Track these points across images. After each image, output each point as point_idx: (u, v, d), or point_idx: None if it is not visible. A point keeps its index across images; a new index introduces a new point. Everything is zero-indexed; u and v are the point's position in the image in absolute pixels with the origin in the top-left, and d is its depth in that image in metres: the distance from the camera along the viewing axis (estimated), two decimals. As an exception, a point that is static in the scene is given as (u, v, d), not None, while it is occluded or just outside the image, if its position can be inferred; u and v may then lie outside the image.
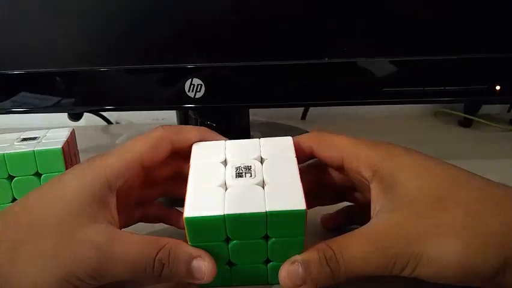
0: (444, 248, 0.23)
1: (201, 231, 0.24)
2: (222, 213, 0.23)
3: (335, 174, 0.31)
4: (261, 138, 0.29)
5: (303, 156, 0.30)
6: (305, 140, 0.30)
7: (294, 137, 0.30)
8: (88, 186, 0.26)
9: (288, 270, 0.25)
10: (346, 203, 0.34)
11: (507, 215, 0.24)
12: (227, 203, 0.24)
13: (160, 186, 0.32)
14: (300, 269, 0.24)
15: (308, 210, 0.24)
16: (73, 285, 0.23)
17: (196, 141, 0.29)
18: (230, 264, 0.26)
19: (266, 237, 0.25)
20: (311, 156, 0.30)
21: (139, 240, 0.25)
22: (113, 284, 0.25)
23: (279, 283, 0.25)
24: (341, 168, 0.29)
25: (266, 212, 0.23)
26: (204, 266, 0.25)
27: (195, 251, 0.25)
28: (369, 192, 0.28)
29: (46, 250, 0.24)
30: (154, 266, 0.24)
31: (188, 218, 0.24)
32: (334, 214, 0.34)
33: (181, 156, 0.30)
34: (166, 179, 0.32)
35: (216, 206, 0.24)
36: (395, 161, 0.27)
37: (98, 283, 0.24)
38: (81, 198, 0.25)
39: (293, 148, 0.28)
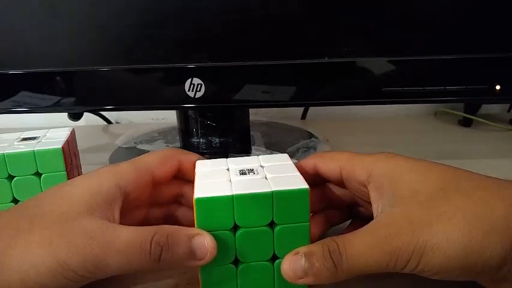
0: (448, 233, 0.23)
1: (210, 213, 0.25)
2: (231, 194, 0.25)
3: (340, 192, 0.32)
4: (259, 156, 0.31)
5: (308, 174, 0.31)
6: (309, 158, 0.31)
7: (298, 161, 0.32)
8: (96, 185, 0.27)
9: (291, 260, 0.25)
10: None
11: (510, 200, 0.24)
12: (234, 187, 0.26)
13: (164, 208, 0.32)
14: (303, 260, 0.24)
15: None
16: (66, 275, 0.23)
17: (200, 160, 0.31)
18: (236, 262, 0.26)
19: (272, 225, 0.26)
20: (316, 173, 0.31)
21: (133, 228, 0.25)
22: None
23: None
24: (341, 183, 0.30)
25: (272, 191, 0.25)
26: (205, 241, 0.24)
27: (195, 230, 0.25)
28: (370, 201, 0.28)
29: (42, 239, 0.24)
30: (151, 250, 0.24)
31: (198, 198, 0.25)
32: (345, 231, 0.34)
33: (185, 179, 0.32)
34: (170, 201, 0.32)
35: (224, 189, 0.25)
36: (390, 162, 0.28)
37: (92, 275, 0.24)
38: (85, 194, 0.26)
39: (291, 161, 0.30)
